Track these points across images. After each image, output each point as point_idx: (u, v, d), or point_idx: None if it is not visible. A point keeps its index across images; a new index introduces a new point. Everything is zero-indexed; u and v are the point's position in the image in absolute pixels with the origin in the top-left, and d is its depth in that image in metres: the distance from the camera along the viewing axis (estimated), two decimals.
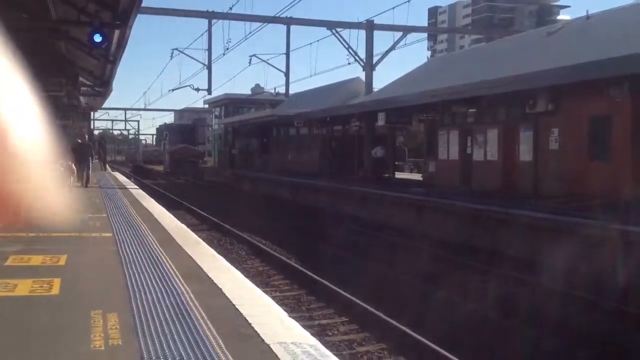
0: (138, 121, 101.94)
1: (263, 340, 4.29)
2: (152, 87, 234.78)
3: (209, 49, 38.57)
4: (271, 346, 4.16)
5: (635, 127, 15.10)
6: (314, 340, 4.47)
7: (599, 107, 15.91)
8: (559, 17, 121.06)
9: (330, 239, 16.21)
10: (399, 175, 31.53)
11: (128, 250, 8.08)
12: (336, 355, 4.76)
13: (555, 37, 23.04)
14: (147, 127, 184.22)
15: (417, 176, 30.84)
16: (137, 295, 5.55)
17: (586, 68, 15.48)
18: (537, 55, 21.41)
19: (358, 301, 8.98)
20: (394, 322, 7.85)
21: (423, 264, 12.28)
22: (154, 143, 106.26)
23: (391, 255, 13.47)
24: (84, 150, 20.92)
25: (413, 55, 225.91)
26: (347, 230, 17.63)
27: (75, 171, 19.17)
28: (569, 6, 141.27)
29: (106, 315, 4.82)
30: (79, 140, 22.21)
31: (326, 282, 10.27)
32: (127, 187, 22.62)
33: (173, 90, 68.42)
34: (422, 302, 9.58)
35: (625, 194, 14.57)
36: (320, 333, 7.81)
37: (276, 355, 3.98)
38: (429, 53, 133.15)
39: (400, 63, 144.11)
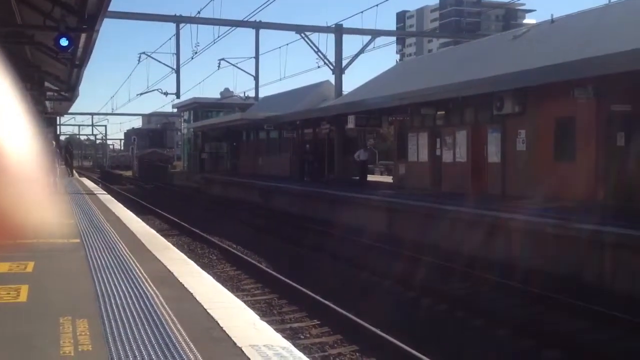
0: (105, 126, 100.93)
1: (235, 344, 4.29)
2: (119, 91, 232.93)
3: (177, 53, 38.34)
4: (243, 349, 4.16)
5: (599, 127, 15.40)
6: (286, 343, 4.47)
7: (564, 108, 16.20)
8: (524, 21, 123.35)
9: (301, 242, 16.24)
10: (369, 177, 31.65)
11: (97, 256, 7.99)
12: (308, 357, 4.78)
13: (521, 41, 23.40)
14: (115, 132, 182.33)
15: (387, 178, 31.00)
16: (107, 301, 5.49)
17: (551, 70, 15.75)
18: (503, 58, 21.73)
19: (329, 303, 9.00)
20: (366, 324, 7.90)
21: (395, 266, 12.36)
22: (122, 148, 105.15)
23: (362, 257, 13.53)
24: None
25: (382, 59, 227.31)
26: (318, 233, 17.66)
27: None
28: (534, 10, 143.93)
29: (75, 321, 4.76)
30: None
31: (297, 286, 10.28)
32: (95, 192, 22.34)
33: (141, 94, 67.96)
34: (386, 298, 9.65)
35: (589, 193, 14.87)
36: (292, 336, 7.81)
37: (248, 358, 3.98)
38: (397, 56, 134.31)
39: (370, 66, 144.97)
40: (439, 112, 21.94)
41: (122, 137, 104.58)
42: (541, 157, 16.99)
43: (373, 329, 7.72)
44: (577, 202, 14.51)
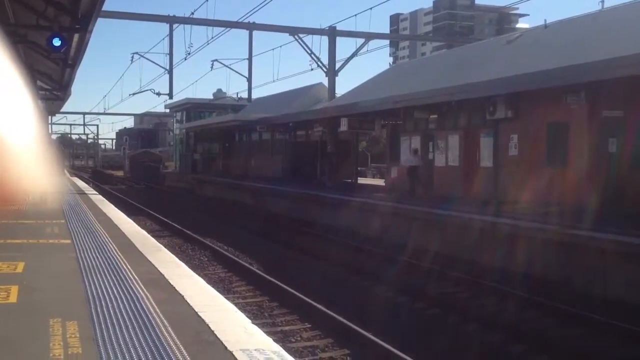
0: (97, 125, 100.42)
1: (226, 348, 4.27)
2: (112, 91, 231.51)
3: (170, 54, 38.16)
4: (234, 353, 4.14)
5: (591, 133, 15.47)
6: (277, 347, 4.46)
7: (556, 114, 16.26)
8: (517, 26, 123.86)
9: (293, 245, 16.22)
10: (361, 180, 31.68)
11: (88, 257, 7.95)
12: None
13: (514, 45, 23.48)
14: (107, 132, 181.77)
15: (379, 181, 31.02)
16: (97, 303, 5.46)
17: (544, 76, 15.81)
18: (497, 63, 21.79)
19: (320, 307, 8.99)
20: (357, 328, 7.89)
21: (384, 269, 12.37)
22: (114, 147, 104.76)
23: (354, 261, 13.53)
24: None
25: (375, 62, 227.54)
26: (309, 235, 17.65)
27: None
28: (527, 15, 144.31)
29: (65, 323, 4.73)
30: None
31: (288, 288, 10.26)
32: (86, 192, 22.25)
33: (133, 94, 67.56)
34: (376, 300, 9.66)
35: (581, 199, 14.92)
36: (283, 339, 7.80)
37: None
38: (391, 59, 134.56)
39: (363, 69, 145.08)
40: (432, 116, 21.99)
41: (114, 137, 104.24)
42: (533, 162, 17.04)
43: (364, 332, 7.72)
44: (569, 207, 14.55)
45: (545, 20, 23.79)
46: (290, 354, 4.50)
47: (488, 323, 8.76)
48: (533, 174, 16.85)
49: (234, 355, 4.09)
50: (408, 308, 9.89)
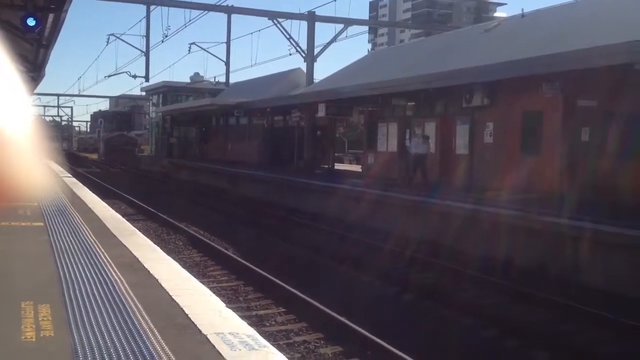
0: (72, 107, 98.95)
1: (200, 331, 4.27)
2: (87, 73, 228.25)
3: (147, 36, 37.77)
4: (208, 336, 4.15)
5: (565, 122, 15.65)
6: (251, 331, 4.47)
7: (531, 102, 16.41)
8: (495, 15, 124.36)
9: (269, 229, 16.23)
10: (338, 166, 31.73)
11: (60, 240, 7.87)
12: (274, 344, 4.78)
13: (492, 34, 23.60)
14: (81, 114, 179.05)
15: (356, 167, 31.09)
16: (70, 286, 5.42)
17: (520, 64, 15.92)
18: (474, 51, 21.89)
19: (295, 291, 9.02)
20: (329, 311, 7.94)
21: (359, 254, 12.44)
22: (88, 130, 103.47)
23: (327, 244, 13.57)
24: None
25: (354, 48, 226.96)
26: (285, 220, 17.67)
27: None
28: (505, 4, 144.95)
29: (37, 306, 4.69)
30: None
31: (263, 273, 10.28)
32: (60, 175, 21.99)
33: (109, 76, 66.62)
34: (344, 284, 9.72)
35: (554, 186, 15.13)
36: (257, 324, 7.82)
37: (213, 346, 3.97)
38: (369, 46, 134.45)
39: (341, 55, 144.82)
40: (409, 103, 22.06)
41: (89, 119, 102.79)
42: (508, 149, 17.20)
43: (338, 316, 7.77)
44: (542, 194, 14.74)
45: (522, 10, 23.97)
46: (265, 338, 4.52)
47: (452, 303, 8.91)
48: (508, 162, 17.02)
49: (208, 339, 4.10)
50: (384, 292, 9.96)
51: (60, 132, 75.68)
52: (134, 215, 18.59)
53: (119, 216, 11.44)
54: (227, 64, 44.14)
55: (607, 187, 14.16)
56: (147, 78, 39.80)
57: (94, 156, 60.30)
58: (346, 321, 7.59)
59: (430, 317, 8.72)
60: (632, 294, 9.32)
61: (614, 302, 9.02)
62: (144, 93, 58.68)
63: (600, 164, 14.76)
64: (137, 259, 6.84)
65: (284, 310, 8.64)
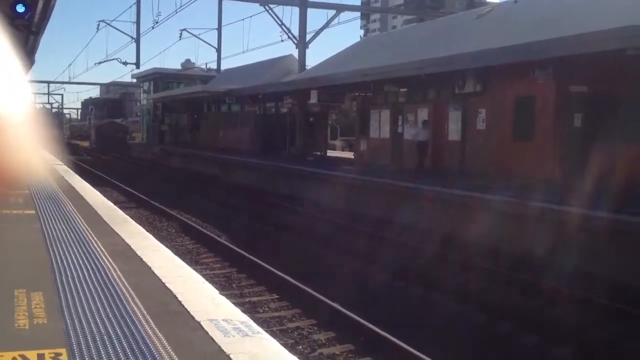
0: (62, 95, 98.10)
1: (193, 318, 4.27)
2: (77, 60, 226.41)
3: (138, 22, 37.62)
4: (201, 323, 4.15)
5: (557, 108, 15.67)
6: (244, 317, 4.47)
7: (524, 88, 16.42)
8: (488, 0, 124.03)
9: (260, 216, 16.23)
10: (330, 153, 31.72)
11: (53, 228, 7.84)
12: (267, 331, 4.79)
13: (485, 20, 23.55)
14: (72, 102, 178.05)
15: (349, 154, 31.07)
16: (63, 274, 5.41)
17: (513, 50, 15.91)
18: (467, 37, 21.84)
19: (288, 278, 9.04)
20: (323, 298, 7.97)
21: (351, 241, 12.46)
22: (79, 117, 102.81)
23: (321, 232, 13.59)
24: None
25: (346, 34, 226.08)
26: (278, 207, 17.66)
27: None
28: None
29: (30, 294, 4.68)
30: None
31: (257, 260, 10.29)
32: (51, 163, 21.88)
33: (99, 63, 66.42)
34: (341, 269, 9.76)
35: (546, 172, 15.18)
36: (250, 310, 7.84)
37: (207, 332, 3.97)
38: (362, 32, 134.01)
39: (334, 41, 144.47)
40: (401, 89, 22.03)
41: (79, 106, 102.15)
42: (500, 136, 17.23)
43: (330, 302, 7.80)
44: (533, 180, 14.78)
45: None
46: (258, 324, 4.53)
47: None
48: (500, 148, 17.05)
49: (201, 325, 4.10)
50: (376, 278, 10.00)
51: (59, 120, 75.29)
52: (126, 202, 18.55)
53: (111, 204, 11.40)
54: (219, 50, 43.97)
55: (598, 172, 14.23)
56: (137, 65, 39.67)
57: (85, 144, 60.03)
58: (339, 307, 7.62)
59: (434, 308, 8.76)
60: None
61: None
62: (134, 80, 58.41)
63: (591, 150, 14.81)
64: (130, 246, 6.83)
65: (277, 297, 8.66)
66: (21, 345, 3.63)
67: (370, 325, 6.94)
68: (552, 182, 14.21)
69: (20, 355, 3.48)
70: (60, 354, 3.52)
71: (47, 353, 3.53)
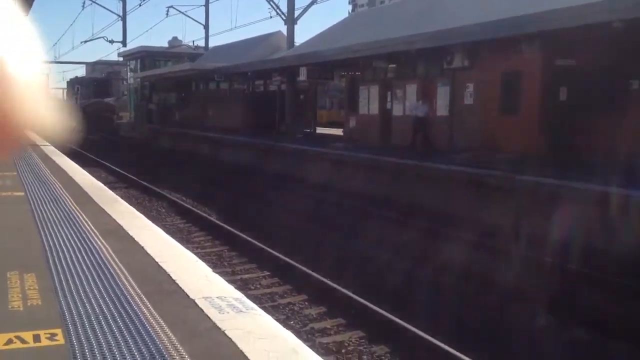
0: (47, 74, 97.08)
1: (187, 296, 4.32)
2: (62, 38, 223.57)
3: None
4: (196, 301, 4.20)
5: (543, 82, 15.72)
6: (238, 294, 4.53)
7: (510, 63, 16.42)
8: None
9: (251, 194, 16.26)
10: (320, 130, 31.66)
11: (43, 209, 7.84)
12: (260, 307, 4.85)
13: None
14: (57, 81, 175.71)
15: (338, 131, 31.02)
16: (55, 255, 5.43)
17: (500, 25, 15.88)
18: (455, 12, 21.74)
19: (279, 254, 9.11)
20: (312, 272, 8.04)
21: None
22: (65, 97, 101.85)
23: (314, 210, 13.65)
24: None
25: (334, 10, 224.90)
26: (266, 185, 17.69)
27: None
28: None
29: (23, 275, 4.70)
30: None
31: (247, 237, 10.34)
32: (38, 143, 21.74)
33: (85, 42, 65.71)
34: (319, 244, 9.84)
35: (531, 146, 15.27)
36: (242, 287, 7.90)
37: (201, 310, 4.02)
38: (350, 7, 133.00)
39: (322, 18, 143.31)
40: (390, 65, 21.97)
41: (65, 86, 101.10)
42: (487, 110, 17.27)
43: (319, 276, 7.88)
44: (519, 154, 14.87)
45: None
46: (250, 301, 4.58)
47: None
48: (487, 122, 17.10)
49: (196, 303, 4.15)
50: (366, 254, 10.09)
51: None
52: (115, 182, 18.52)
53: (100, 184, 11.39)
54: (206, 27, 43.57)
55: (583, 146, 14.35)
56: (124, 43, 39.35)
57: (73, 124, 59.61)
58: (329, 282, 7.70)
59: (426, 281, 8.86)
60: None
61: None
62: (121, 59, 57.86)
63: (576, 123, 14.90)
64: (121, 226, 6.85)
65: (268, 273, 8.73)
66: (16, 327, 3.66)
67: (364, 301, 7.03)
68: (536, 155, 14.31)
69: (15, 336, 3.51)
70: (56, 334, 3.55)
71: (43, 333, 3.56)
